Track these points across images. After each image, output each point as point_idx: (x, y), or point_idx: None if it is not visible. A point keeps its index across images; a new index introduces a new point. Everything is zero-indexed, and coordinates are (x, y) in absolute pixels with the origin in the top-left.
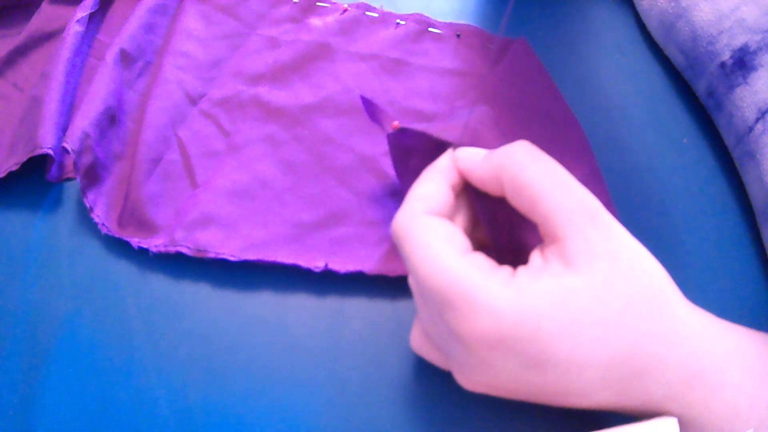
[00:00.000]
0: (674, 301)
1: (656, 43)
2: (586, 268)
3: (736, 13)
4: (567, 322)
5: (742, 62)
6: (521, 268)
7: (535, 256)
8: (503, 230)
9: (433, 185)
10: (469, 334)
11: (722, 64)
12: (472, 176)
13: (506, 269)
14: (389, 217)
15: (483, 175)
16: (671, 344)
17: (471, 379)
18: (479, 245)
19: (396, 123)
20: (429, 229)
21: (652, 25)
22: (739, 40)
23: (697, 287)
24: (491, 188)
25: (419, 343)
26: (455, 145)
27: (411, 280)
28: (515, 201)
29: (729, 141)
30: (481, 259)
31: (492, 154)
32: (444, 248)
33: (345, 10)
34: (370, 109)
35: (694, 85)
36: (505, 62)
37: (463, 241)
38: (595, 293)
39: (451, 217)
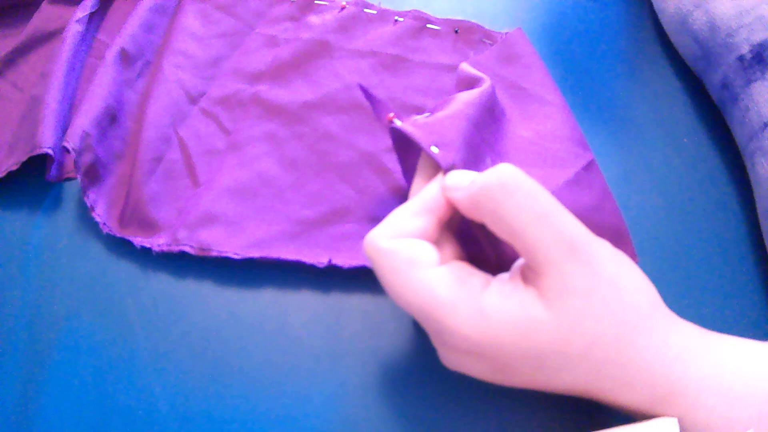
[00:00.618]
0: (650, 330)
1: (665, 35)
2: (557, 305)
3: (757, 10)
4: (529, 350)
5: (761, 58)
6: (495, 282)
7: (515, 274)
8: (498, 246)
9: (410, 219)
10: (441, 343)
11: (741, 57)
12: (457, 205)
13: (478, 279)
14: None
15: (465, 205)
16: (638, 372)
17: (450, 366)
18: (480, 250)
19: (391, 116)
20: (392, 254)
21: (666, 14)
22: (758, 36)
23: (696, 287)
24: (475, 218)
25: None
26: (445, 170)
27: None
28: (495, 232)
29: (741, 137)
30: (449, 273)
31: (472, 185)
32: (408, 271)
33: (343, 8)
34: (370, 99)
35: (708, 77)
36: (499, 46)
37: (429, 256)
38: (561, 330)
39: (433, 242)
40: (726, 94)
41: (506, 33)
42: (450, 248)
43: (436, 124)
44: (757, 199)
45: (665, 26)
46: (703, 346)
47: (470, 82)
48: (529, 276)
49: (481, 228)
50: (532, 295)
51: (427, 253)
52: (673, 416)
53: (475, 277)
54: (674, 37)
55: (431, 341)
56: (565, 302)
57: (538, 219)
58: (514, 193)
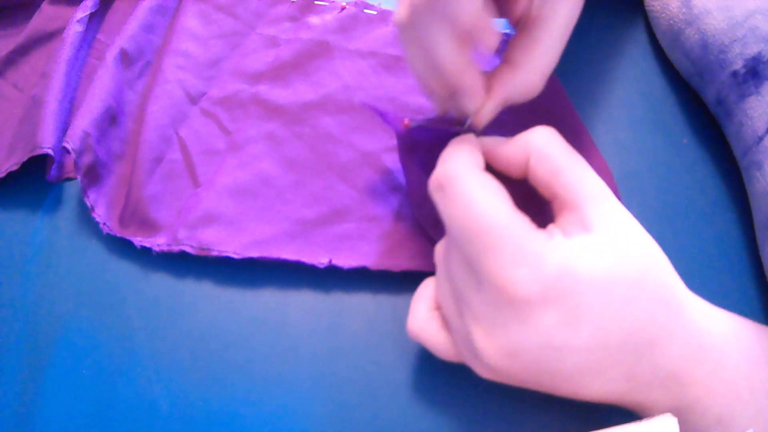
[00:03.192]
0: (676, 280)
1: (661, 47)
2: (606, 232)
3: (750, 21)
4: (600, 278)
5: (755, 72)
6: (553, 228)
7: (553, 228)
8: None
9: (467, 146)
10: (511, 283)
11: (734, 73)
12: (497, 156)
13: (543, 229)
14: (391, 213)
15: (509, 153)
16: (678, 316)
17: (492, 344)
18: None
19: (406, 121)
20: (480, 181)
21: (660, 30)
22: (752, 49)
23: (693, 287)
24: (514, 166)
25: (421, 325)
26: (475, 132)
27: (439, 245)
28: (538, 172)
29: (737, 151)
30: (524, 217)
31: (518, 136)
32: (495, 198)
33: (343, 8)
34: (378, 113)
35: (702, 93)
36: None
37: (510, 201)
38: (619, 253)
39: None
40: (720, 110)
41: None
42: None
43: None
44: (754, 213)
45: (660, 42)
46: (718, 311)
47: None
48: (565, 221)
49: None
50: (580, 231)
51: (509, 199)
52: (706, 376)
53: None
54: (668, 53)
55: (466, 319)
56: (610, 229)
57: (581, 163)
58: (561, 140)
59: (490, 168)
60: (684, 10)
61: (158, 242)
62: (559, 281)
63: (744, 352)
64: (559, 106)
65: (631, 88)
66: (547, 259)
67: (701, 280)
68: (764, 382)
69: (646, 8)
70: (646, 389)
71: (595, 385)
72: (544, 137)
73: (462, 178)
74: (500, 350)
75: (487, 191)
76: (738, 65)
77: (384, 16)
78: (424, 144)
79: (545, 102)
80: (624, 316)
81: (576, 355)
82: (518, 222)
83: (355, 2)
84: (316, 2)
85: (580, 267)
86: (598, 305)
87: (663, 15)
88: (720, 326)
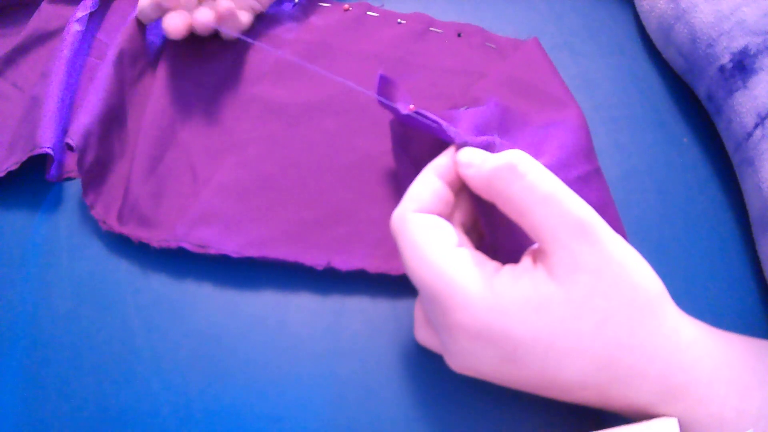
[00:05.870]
0: (661, 314)
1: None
2: (567, 281)
3: (737, 14)
4: (539, 328)
5: (742, 65)
6: (507, 267)
7: (526, 258)
8: (501, 229)
9: (427, 186)
10: (450, 325)
11: (721, 68)
12: (468, 182)
13: (492, 265)
14: (391, 216)
15: (477, 184)
16: (651, 358)
17: (457, 364)
18: (479, 239)
19: (412, 106)
20: (417, 227)
21: (651, 28)
22: (739, 43)
23: (691, 288)
24: (485, 196)
25: (422, 334)
26: (458, 145)
27: None
28: (506, 212)
29: (729, 147)
30: (467, 254)
31: (484, 163)
32: (430, 244)
33: (346, 10)
34: (386, 87)
35: (695, 89)
36: (517, 56)
37: (451, 236)
38: (572, 306)
39: (448, 213)
40: (711, 106)
41: (518, 40)
42: (462, 215)
43: (452, 113)
44: (749, 209)
45: (654, 41)
46: (712, 338)
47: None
48: (538, 257)
49: (484, 209)
50: (542, 274)
51: (450, 233)
52: (684, 410)
53: (489, 263)
54: (662, 52)
55: (439, 338)
56: (574, 278)
57: (544, 200)
58: (522, 175)
59: None
60: (672, 6)
61: (157, 239)
62: (489, 326)
63: (735, 382)
64: (562, 103)
65: (631, 87)
66: (477, 306)
67: (701, 279)
68: (754, 409)
69: (637, 9)
70: (625, 408)
71: (565, 397)
72: (503, 177)
73: (406, 225)
74: (462, 369)
75: (427, 236)
76: (725, 59)
77: (387, 18)
78: (417, 139)
79: (547, 99)
80: (573, 362)
81: (530, 381)
82: (454, 265)
83: (358, 4)
84: (319, 3)
85: (515, 317)
86: (539, 352)
87: (652, 13)
88: (711, 359)
